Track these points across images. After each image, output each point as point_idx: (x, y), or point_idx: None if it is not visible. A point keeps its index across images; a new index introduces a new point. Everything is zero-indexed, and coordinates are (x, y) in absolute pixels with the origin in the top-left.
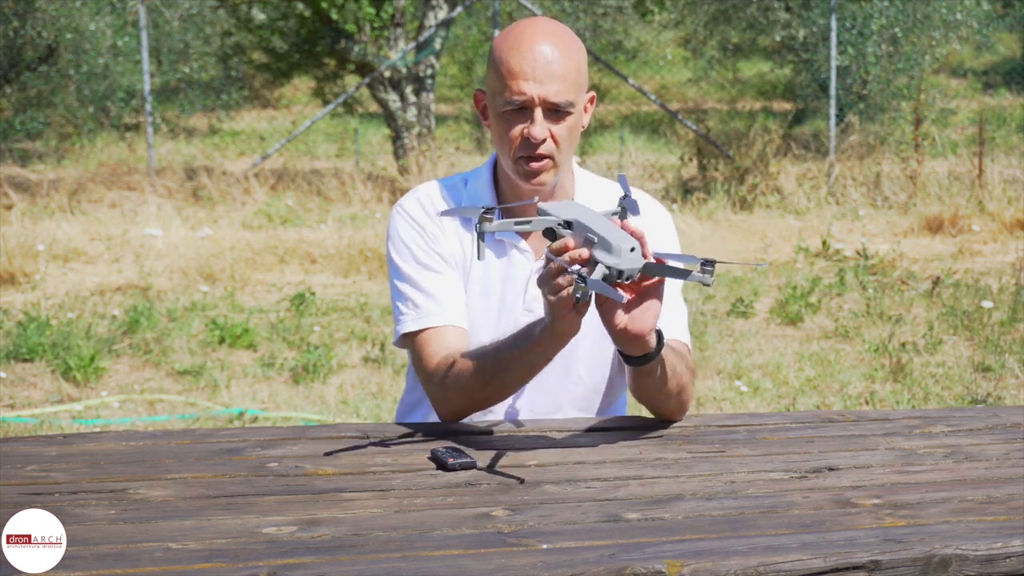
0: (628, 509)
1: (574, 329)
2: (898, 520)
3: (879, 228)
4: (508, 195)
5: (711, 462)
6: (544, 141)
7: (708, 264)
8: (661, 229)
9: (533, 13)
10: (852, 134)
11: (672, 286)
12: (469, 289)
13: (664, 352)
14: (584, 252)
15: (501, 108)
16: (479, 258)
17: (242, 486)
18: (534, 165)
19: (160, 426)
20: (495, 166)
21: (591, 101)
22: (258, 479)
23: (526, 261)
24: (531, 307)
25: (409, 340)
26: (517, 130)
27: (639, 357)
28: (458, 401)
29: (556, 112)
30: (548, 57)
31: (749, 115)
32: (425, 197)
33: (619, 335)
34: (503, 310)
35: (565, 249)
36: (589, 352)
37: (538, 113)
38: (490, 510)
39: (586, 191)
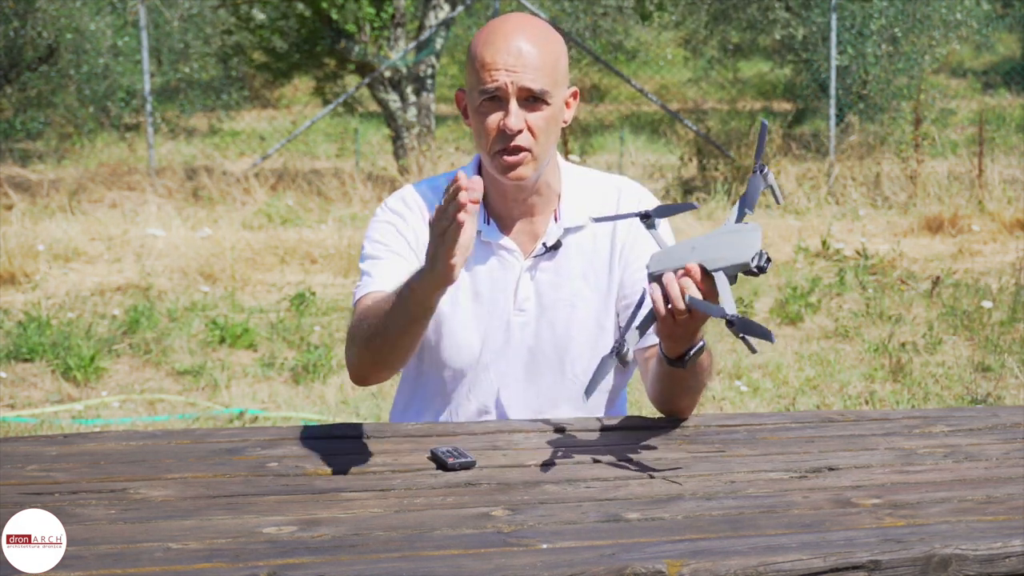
0: (628, 509)
1: (450, 276)
2: (898, 520)
3: (879, 228)
4: (492, 193)
5: (711, 462)
6: (520, 132)
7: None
8: (641, 228)
9: (534, 14)
10: (852, 134)
11: None
12: (458, 293)
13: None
14: None
15: (477, 102)
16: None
17: (242, 486)
18: (511, 159)
19: (160, 426)
20: (480, 166)
21: (574, 96)
22: (258, 479)
23: (514, 261)
24: (522, 307)
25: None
26: (493, 121)
27: (672, 359)
28: (357, 356)
29: (532, 100)
30: (522, 48)
31: (749, 115)
32: (409, 195)
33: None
34: (494, 312)
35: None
36: (584, 350)
37: (513, 104)
38: (490, 510)
39: (573, 186)
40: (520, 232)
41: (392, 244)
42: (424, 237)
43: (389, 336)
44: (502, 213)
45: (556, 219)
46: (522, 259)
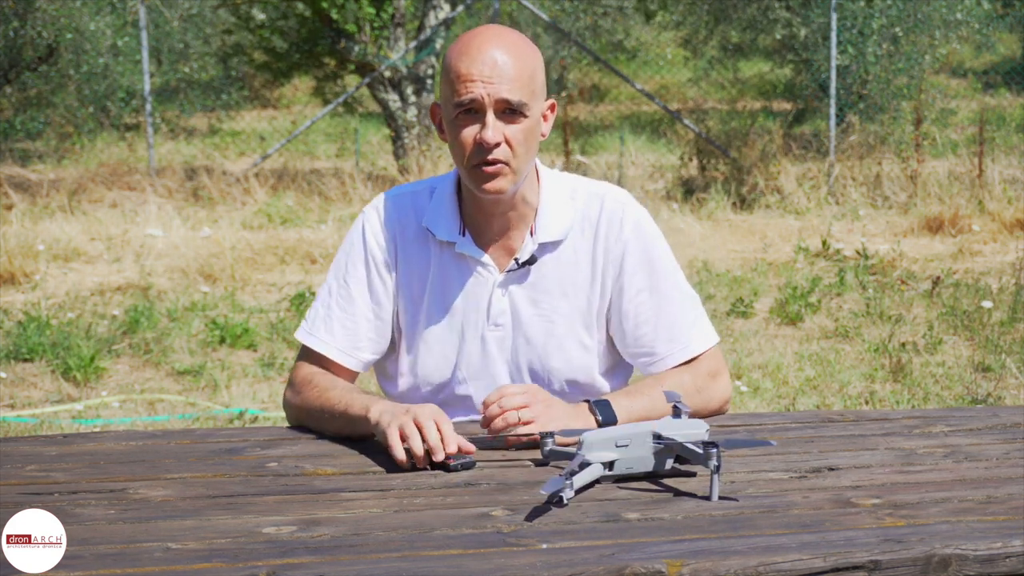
0: (628, 509)
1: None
2: (898, 520)
3: (879, 228)
4: (469, 207)
5: None
6: (498, 145)
7: (711, 446)
8: (628, 243)
9: (533, 13)
10: (852, 134)
11: (671, 282)
12: (432, 308)
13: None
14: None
15: (453, 114)
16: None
17: (242, 486)
18: (488, 170)
19: (160, 426)
20: (457, 180)
21: (551, 109)
22: (258, 479)
23: (488, 275)
24: (497, 321)
25: (299, 343)
26: (469, 134)
27: None
28: (294, 413)
29: (510, 113)
30: (497, 59)
31: (749, 115)
32: (392, 210)
33: None
34: (468, 327)
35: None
36: (563, 366)
37: (490, 116)
38: (490, 510)
39: (552, 198)
40: (496, 246)
41: (353, 287)
42: (398, 252)
43: (323, 428)
44: (478, 227)
45: (532, 234)
46: (496, 274)
